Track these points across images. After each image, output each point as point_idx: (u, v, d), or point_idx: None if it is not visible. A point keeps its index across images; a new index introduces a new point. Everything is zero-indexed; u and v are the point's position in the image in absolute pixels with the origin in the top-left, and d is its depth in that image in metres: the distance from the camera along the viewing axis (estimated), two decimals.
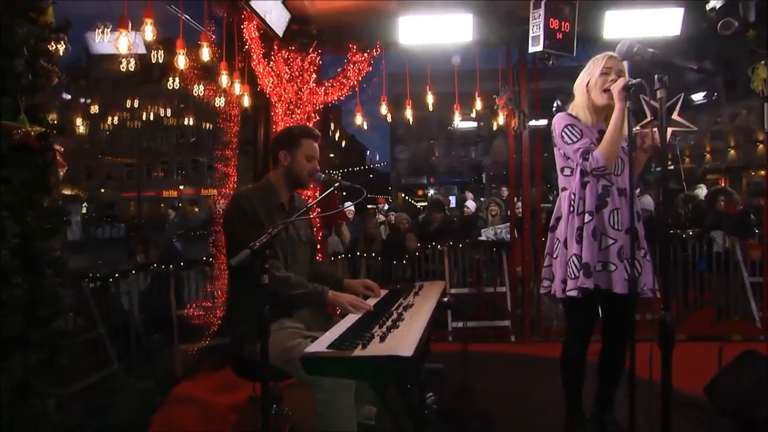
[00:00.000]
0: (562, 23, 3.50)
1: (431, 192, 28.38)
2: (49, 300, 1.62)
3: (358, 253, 5.56)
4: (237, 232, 2.09)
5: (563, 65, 3.79)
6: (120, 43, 2.05)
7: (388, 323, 1.76)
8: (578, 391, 2.35)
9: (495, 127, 4.38)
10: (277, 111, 3.90)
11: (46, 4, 1.63)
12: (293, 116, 3.98)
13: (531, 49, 3.46)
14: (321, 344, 1.59)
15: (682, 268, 5.04)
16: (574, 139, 2.16)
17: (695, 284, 4.98)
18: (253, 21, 3.32)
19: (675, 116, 3.79)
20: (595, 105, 2.21)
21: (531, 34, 3.44)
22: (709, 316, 4.69)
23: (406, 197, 28.21)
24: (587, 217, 2.15)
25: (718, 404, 2.58)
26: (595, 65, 2.19)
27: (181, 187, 27.53)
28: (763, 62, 3.54)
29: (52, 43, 1.67)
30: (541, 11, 3.36)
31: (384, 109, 4.37)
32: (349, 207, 8.09)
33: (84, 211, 19.22)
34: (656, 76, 1.42)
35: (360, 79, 3.98)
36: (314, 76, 3.98)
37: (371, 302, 2.20)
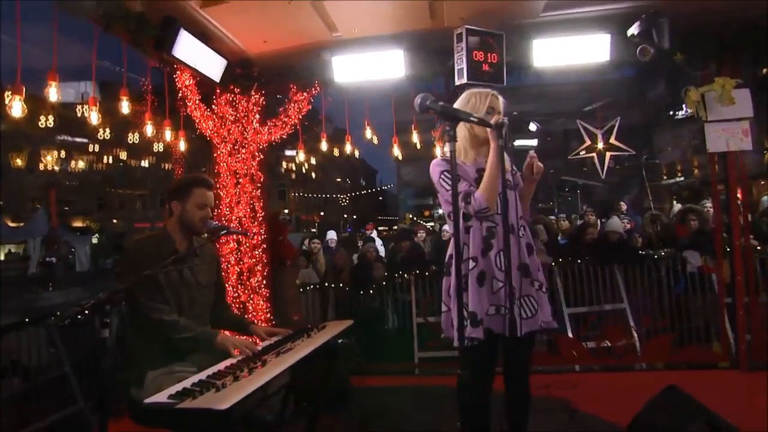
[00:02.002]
0: (489, 54, 3.55)
1: (439, 212, 28.32)
2: None
3: (326, 284, 5.60)
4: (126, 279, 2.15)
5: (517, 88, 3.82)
6: (14, 109, 2.17)
7: (245, 371, 1.77)
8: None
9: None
10: (221, 152, 4.03)
11: None
12: (238, 155, 4.10)
13: (457, 82, 3.51)
14: (164, 394, 1.60)
15: (656, 291, 4.92)
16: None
17: (670, 307, 4.82)
18: (186, 70, 3.47)
19: (612, 140, 3.75)
20: (478, 139, 2.17)
21: (456, 67, 3.49)
22: (676, 341, 4.52)
23: (414, 218, 28.21)
24: (471, 264, 2.09)
25: None
26: (480, 101, 2.14)
27: None
28: (692, 86, 3.50)
29: None
30: (463, 45, 3.41)
31: (324, 145, 4.45)
32: (331, 237, 8.20)
33: (95, 241, 19.87)
34: (446, 127, 1.44)
35: (301, 117, 4.08)
36: (258, 116, 4.10)
37: (265, 344, 2.22)
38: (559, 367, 4.40)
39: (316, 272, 6.14)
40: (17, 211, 20.27)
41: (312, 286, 5.56)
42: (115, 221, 23.74)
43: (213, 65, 3.62)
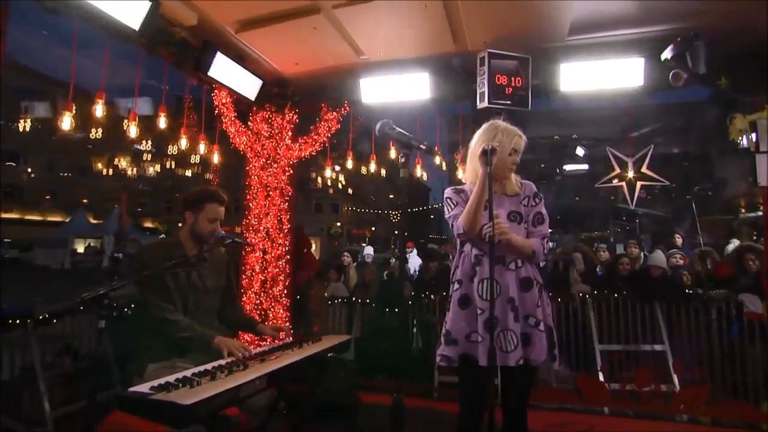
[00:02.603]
0: (513, 78, 3.51)
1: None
2: None
3: (354, 299, 5.67)
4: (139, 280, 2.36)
5: (544, 112, 3.73)
6: (63, 122, 2.48)
7: (225, 372, 1.89)
8: None
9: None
10: (253, 165, 4.27)
11: None
12: (270, 170, 4.33)
13: (478, 105, 3.50)
14: (147, 385, 1.74)
15: (705, 335, 4.48)
16: (449, 210, 2.17)
17: (722, 355, 4.36)
18: (223, 89, 3.76)
19: (644, 169, 3.54)
20: (496, 173, 2.10)
21: (478, 90, 3.49)
22: (724, 394, 4.07)
23: None
24: (455, 286, 2.13)
25: None
26: (506, 138, 2.12)
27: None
28: (739, 113, 3.23)
29: None
30: (485, 68, 3.41)
31: (350, 163, 4.57)
32: (368, 252, 8.30)
33: None
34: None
35: (330, 135, 4.25)
36: (290, 133, 4.32)
37: (259, 350, 2.33)
38: (588, 407, 4.13)
39: (346, 286, 6.24)
40: (98, 210, 22.53)
41: (340, 300, 5.66)
42: (180, 224, 25.57)
43: (249, 85, 3.89)
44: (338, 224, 33.79)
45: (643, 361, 4.47)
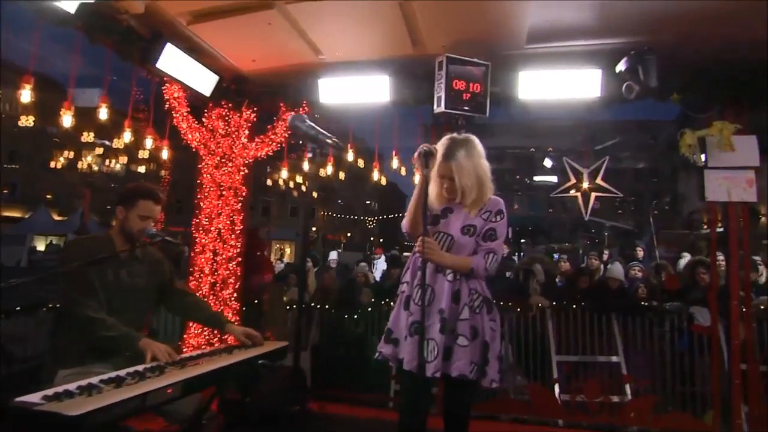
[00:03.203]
0: (471, 84, 3.48)
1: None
2: None
3: (312, 304, 5.53)
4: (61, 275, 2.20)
5: (499, 123, 3.71)
6: None
7: (136, 378, 1.75)
8: None
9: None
10: (206, 163, 4.11)
11: None
12: (225, 168, 4.18)
13: (435, 110, 3.46)
14: (40, 394, 1.57)
15: (658, 347, 4.53)
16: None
17: (672, 367, 4.41)
18: (175, 83, 3.60)
19: (599, 180, 3.55)
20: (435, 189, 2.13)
21: (435, 95, 3.44)
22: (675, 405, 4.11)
23: None
24: (403, 286, 2.17)
25: None
26: (440, 154, 2.07)
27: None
28: (689, 129, 3.28)
29: None
30: (443, 73, 3.37)
31: (306, 165, 4.46)
32: (333, 257, 8.19)
33: None
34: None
35: (288, 135, 4.13)
36: (247, 132, 4.19)
37: (186, 355, 2.19)
38: (543, 418, 4.10)
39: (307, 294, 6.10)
40: (63, 206, 21.63)
41: (296, 305, 5.50)
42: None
43: (203, 80, 3.74)
44: (314, 229, 33.43)
45: (599, 373, 4.48)
